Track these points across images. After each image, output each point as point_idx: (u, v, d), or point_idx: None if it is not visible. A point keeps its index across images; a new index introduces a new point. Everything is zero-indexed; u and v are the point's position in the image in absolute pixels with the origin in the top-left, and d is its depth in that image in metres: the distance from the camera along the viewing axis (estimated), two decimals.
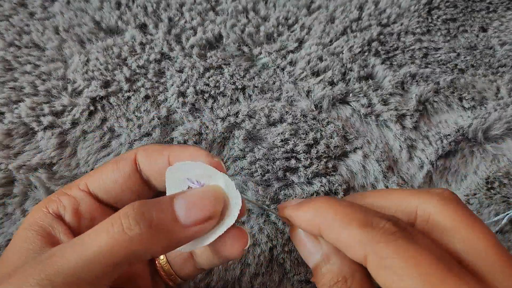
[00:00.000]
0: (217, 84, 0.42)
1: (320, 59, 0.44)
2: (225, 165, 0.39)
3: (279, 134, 0.40)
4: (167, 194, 0.25)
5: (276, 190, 0.39)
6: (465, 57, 0.46)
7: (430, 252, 0.19)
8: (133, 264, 0.21)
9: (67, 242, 0.21)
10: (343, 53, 0.44)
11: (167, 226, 0.22)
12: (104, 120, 0.40)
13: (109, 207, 0.26)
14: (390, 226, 0.20)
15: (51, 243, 0.23)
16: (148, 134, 0.39)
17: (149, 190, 0.27)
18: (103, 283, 0.20)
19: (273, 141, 0.40)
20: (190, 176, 0.25)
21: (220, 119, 0.40)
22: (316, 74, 0.43)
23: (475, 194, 0.40)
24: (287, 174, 0.39)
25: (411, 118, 0.42)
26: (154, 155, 0.26)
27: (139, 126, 0.40)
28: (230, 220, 0.24)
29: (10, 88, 0.40)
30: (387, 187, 0.39)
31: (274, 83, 0.43)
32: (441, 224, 0.21)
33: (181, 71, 0.42)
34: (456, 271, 0.18)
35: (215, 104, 0.41)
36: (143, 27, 0.44)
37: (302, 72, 0.43)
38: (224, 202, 0.24)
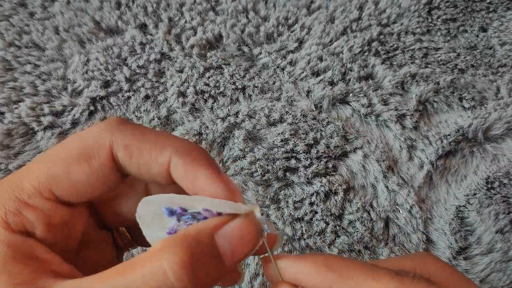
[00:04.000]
0: (217, 84, 0.42)
1: (320, 59, 0.44)
2: (225, 165, 0.40)
3: (279, 134, 0.40)
4: (144, 224, 0.21)
5: (276, 190, 0.39)
6: (465, 57, 0.46)
7: None
8: None
9: (96, 283, 0.17)
10: (343, 53, 0.44)
11: (214, 274, 0.19)
12: (104, 120, 0.40)
13: (77, 204, 0.22)
14: (420, 277, 0.20)
15: (42, 270, 0.19)
16: None
17: (122, 179, 0.23)
18: None
19: (273, 141, 0.40)
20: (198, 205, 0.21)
21: (220, 119, 0.40)
22: (316, 74, 0.43)
23: (475, 194, 0.40)
24: (287, 174, 0.39)
25: (411, 118, 0.42)
26: (143, 158, 0.21)
27: None
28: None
29: (10, 88, 0.40)
30: (387, 187, 0.39)
31: (274, 83, 0.43)
32: (442, 281, 0.22)
33: (181, 71, 0.42)
34: None
35: (215, 104, 0.41)
36: (143, 27, 0.44)
37: (302, 72, 0.43)
38: None
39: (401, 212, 0.39)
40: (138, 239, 0.25)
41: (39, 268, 0.19)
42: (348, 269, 0.20)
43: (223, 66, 0.43)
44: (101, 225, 0.24)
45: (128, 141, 0.21)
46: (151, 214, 0.21)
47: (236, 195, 0.21)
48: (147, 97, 0.41)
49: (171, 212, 0.21)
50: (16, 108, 0.39)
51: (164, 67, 0.42)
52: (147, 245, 0.25)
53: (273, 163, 0.39)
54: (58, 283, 0.18)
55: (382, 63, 0.44)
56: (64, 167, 0.20)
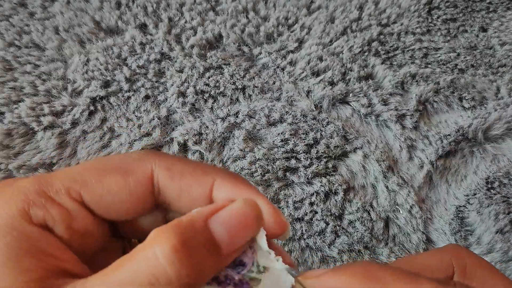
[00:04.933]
0: (217, 84, 0.42)
1: (320, 59, 0.44)
2: (225, 165, 0.40)
3: (279, 134, 0.40)
4: None
5: (276, 190, 0.39)
6: (465, 57, 0.46)
7: None
8: None
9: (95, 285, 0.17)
10: (343, 53, 0.44)
11: (210, 261, 0.18)
12: (104, 120, 0.40)
13: (101, 217, 0.21)
14: (460, 284, 0.20)
15: (55, 268, 0.18)
16: (148, 134, 0.39)
17: (155, 208, 0.22)
18: None
19: (273, 141, 0.40)
20: None
21: (220, 119, 0.40)
22: (316, 74, 0.43)
23: (475, 194, 0.40)
24: (287, 174, 0.39)
25: (411, 118, 0.42)
26: (186, 180, 0.20)
27: (139, 126, 0.40)
28: None
29: (10, 88, 0.40)
30: (387, 187, 0.39)
31: (274, 83, 0.43)
32: (478, 274, 0.22)
33: (181, 71, 0.42)
34: None
35: (215, 104, 0.41)
36: (143, 27, 0.44)
37: (302, 72, 0.43)
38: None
39: (401, 212, 0.39)
40: None
41: (53, 265, 0.18)
42: (389, 279, 0.19)
43: (223, 66, 0.43)
44: (114, 234, 0.24)
45: (171, 163, 0.20)
46: None
47: (277, 212, 0.20)
48: (147, 97, 0.41)
49: None
50: (16, 108, 0.39)
51: (164, 67, 0.42)
52: None
53: (273, 163, 0.39)
54: (68, 283, 0.17)
55: (382, 63, 0.44)
56: (98, 175, 0.20)
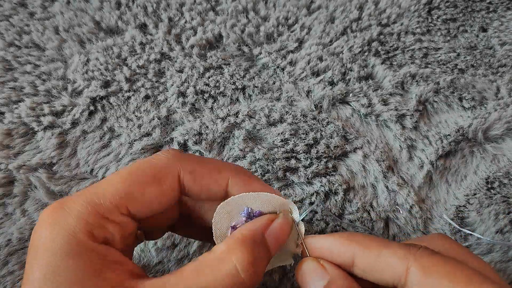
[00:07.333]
0: (217, 84, 0.42)
1: (320, 59, 0.44)
2: None
3: (279, 134, 0.40)
4: (216, 225, 0.26)
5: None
6: (465, 57, 0.46)
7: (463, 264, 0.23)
8: None
9: (181, 281, 0.21)
10: (343, 53, 0.44)
11: (265, 264, 0.24)
12: (104, 120, 0.40)
13: (139, 219, 0.26)
14: (426, 248, 0.23)
15: (124, 272, 0.22)
16: (148, 134, 0.39)
17: (179, 203, 0.28)
18: None
19: (273, 141, 0.40)
20: (251, 206, 0.26)
21: (220, 119, 0.40)
22: (316, 74, 0.43)
23: (475, 194, 0.40)
24: (287, 174, 0.39)
25: (411, 118, 0.42)
26: (205, 180, 0.26)
27: (139, 126, 0.40)
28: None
29: (10, 88, 0.40)
30: (387, 187, 0.39)
31: (274, 83, 0.43)
32: (450, 255, 0.24)
33: (181, 71, 0.42)
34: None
35: (215, 104, 0.41)
36: (143, 27, 0.44)
37: (302, 72, 0.43)
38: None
39: (401, 212, 0.39)
40: (147, 237, 0.30)
41: (123, 271, 0.22)
42: (367, 241, 0.24)
43: (223, 66, 0.43)
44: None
45: (193, 167, 0.25)
46: (231, 208, 0.26)
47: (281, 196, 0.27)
48: (147, 97, 0.41)
49: (248, 214, 0.26)
50: (16, 108, 0.39)
51: (164, 67, 0.42)
52: (151, 238, 0.31)
53: (273, 163, 0.39)
54: (139, 282, 0.22)
55: (382, 63, 0.44)
56: (139, 188, 0.24)
